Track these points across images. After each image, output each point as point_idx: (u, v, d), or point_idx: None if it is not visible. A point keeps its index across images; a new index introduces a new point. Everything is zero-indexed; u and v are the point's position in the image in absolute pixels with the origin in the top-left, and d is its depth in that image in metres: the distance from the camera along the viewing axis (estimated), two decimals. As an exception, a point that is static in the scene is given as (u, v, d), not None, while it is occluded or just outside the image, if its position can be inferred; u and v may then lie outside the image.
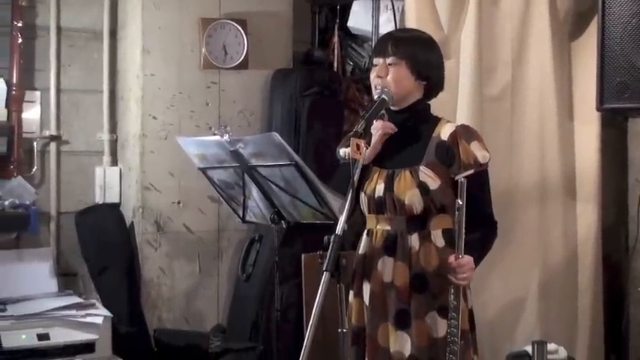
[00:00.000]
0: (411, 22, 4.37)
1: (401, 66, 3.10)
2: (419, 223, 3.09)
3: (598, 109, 3.89)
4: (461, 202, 2.86)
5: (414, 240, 3.09)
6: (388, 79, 3.08)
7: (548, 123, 4.54)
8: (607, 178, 4.71)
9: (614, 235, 4.86)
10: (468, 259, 2.95)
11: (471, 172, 3.07)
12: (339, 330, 2.73)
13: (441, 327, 3.04)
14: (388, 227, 3.13)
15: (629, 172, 4.90)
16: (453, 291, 2.94)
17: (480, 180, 3.11)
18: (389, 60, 3.10)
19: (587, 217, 4.62)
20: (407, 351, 3.07)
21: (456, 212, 2.89)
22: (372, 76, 3.15)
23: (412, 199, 3.06)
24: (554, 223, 4.58)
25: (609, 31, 3.78)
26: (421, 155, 3.09)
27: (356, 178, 2.85)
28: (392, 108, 3.11)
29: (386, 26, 4.66)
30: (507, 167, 4.46)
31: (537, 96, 4.54)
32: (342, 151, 3.26)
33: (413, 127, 3.16)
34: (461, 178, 2.99)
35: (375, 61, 3.15)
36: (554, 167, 4.56)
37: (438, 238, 3.08)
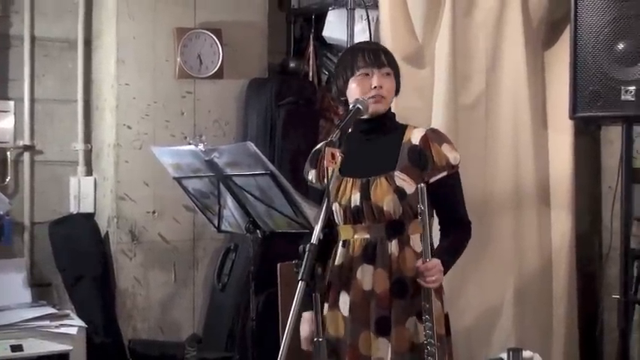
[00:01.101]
0: (386, 32, 4.38)
1: (392, 77, 3.18)
2: (397, 228, 3.11)
3: (571, 118, 3.92)
4: (423, 207, 2.90)
5: (394, 246, 3.11)
6: (385, 90, 3.13)
7: (522, 131, 4.57)
8: (581, 186, 4.75)
9: (588, 243, 4.90)
10: (435, 262, 2.98)
11: (444, 174, 3.12)
12: (315, 339, 2.73)
13: (421, 332, 3.05)
14: (367, 235, 3.14)
15: (602, 179, 4.93)
16: (424, 294, 2.97)
17: (452, 182, 3.17)
18: (384, 70, 3.14)
19: (562, 224, 4.65)
20: (388, 357, 3.08)
21: (419, 217, 2.93)
22: (363, 85, 3.13)
23: (390, 204, 3.07)
24: (529, 231, 4.60)
25: (582, 40, 3.81)
26: (394, 161, 3.12)
27: (331, 186, 2.85)
28: (362, 117, 3.12)
29: (361, 36, 4.67)
30: (482, 175, 4.48)
31: (511, 104, 4.57)
32: (310, 175, 3.29)
33: (382, 135, 3.19)
34: (432, 179, 3.08)
35: (367, 70, 3.14)
36: (528, 175, 4.58)
37: (416, 243, 3.09)
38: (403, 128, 3.21)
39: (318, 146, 3.33)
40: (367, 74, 3.14)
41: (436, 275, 2.97)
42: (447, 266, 3.06)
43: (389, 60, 3.18)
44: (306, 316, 3.21)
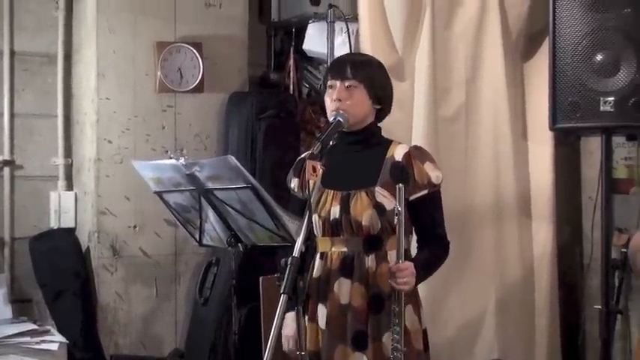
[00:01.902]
0: (366, 45, 4.40)
1: (359, 89, 3.11)
2: (375, 243, 3.10)
3: (551, 129, 3.94)
4: (400, 208, 2.88)
5: (371, 261, 3.10)
6: (348, 102, 3.09)
7: (502, 143, 4.59)
8: (561, 196, 4.77)
9: (569, 253, 4.91)
10: (407, 264, 2.96)
11: (425, 192, 3.11)
12: (298, 353, 2.72)
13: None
14: (344, 249, 3.13)
15: (582, 190, 4.96)
16: (395, 296, 2.95)
17: (432, 200, 3.16)
18: (348, 83, 3.10)
19: (543, 235, 4.67)
20: (364, 372, 3.07)
21: (395, 217, 2.91)
22: (329, 98, 3.14)
23: (369, 219, 3.07)
24: (510, 242, 4.62)
25: (560, 51, 3.83)
26: (376, 176, 3.11)
27: (313, 199, 2.85)
28: (345, 130, 3.12)
29: (341, 49, 4.69)
30: (462, 186, 4.49)
31: (491, 116, 4.59)
32: (293, 184, 3.30)
33: (366, 149, 3.19)
34: (412, 197, 3.07)
35: (331, 82, 3.14)
36: (508, 186, 4.60)
37: (393, 259, 3.05)
38: (388, 143, 3.20)
39: (303, 155, 3.30)
40: (332, 87, 3.14)
41: (407, 277, 2.95)
42: (420, 275, 3.02)
43: (356, 72, 3.11)
44: (290, 315, 3.17)
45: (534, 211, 4.72)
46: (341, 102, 3.09)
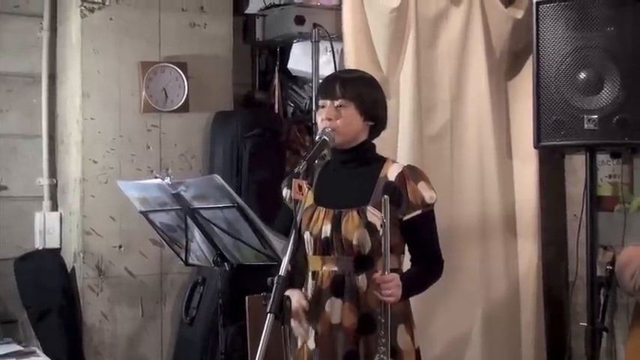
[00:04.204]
0: (350, 64, 4.41)
1: (350, 108, 3.11)
2: (366, 263, 3.09)
3: (535, 147, 3.96)
4: (385, 220, 2.87)
5: (362, 280, 3.09)
6: (338, 121, 3.09)
7: (487, 160, 4.61)
8: (546, 214, 4.79)
9: (554, 271, 4.93)
10: (393, 276, 2.95)
11: (418, 212, 3.11)
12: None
13: None
14: (335, 268, 3.13)
15: (567, 208, 4.98)
16: (381, 309, 2.94)
17: (426, 220, 3.16)
18: (338, 102, 3.11)
19: (528, 253, 4.69)
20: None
21: (380, 228, 2.92)
22: (320, 117, 3.15)
23: (360, 239, 3.07)
24: (496, 260, 4.63)
25: (544, 70, 3.86)
26: (368, 195, 3.10)
27: (299, 218, 2.85)
28: (338, 148, 3.12)
29: (326, 68, 4.70)
30: (448, 204, 4.50)
31: (476, 134, 4.61)
32: (285, 192, 3.28)
33: (359, 167, 3.19)
34: (406, 217, 3.09)
35: (322, 102, 3.15)
36: (494, 204, 4.62)
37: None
38: (382, 161, 3.20)
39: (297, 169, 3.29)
40: (323, 106, 3.14)
41: (393, 289, 2.94)
42: (406, 289, 3.01)
43: (345, 91, 3.11)
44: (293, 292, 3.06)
45: (519, 228, 4.73)
46: (331, 121, 3.09)
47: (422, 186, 3.13)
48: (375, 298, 3.01)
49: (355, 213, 3.08)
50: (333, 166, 3.17)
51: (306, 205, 2.99)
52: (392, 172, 3.14)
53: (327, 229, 3.11)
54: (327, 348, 3.11)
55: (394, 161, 3.22)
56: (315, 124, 3.58)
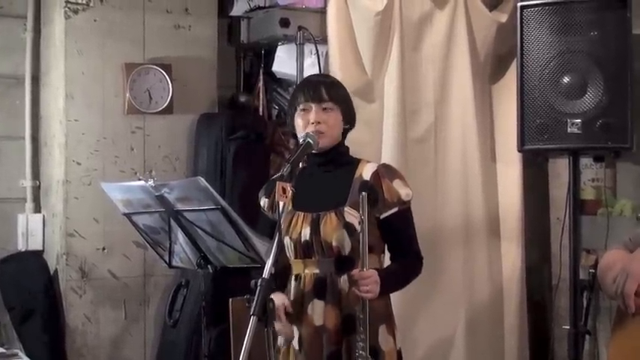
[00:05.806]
0: (335, 67, 4.42)
1: (336, 111, 3.15)
2: (347, 264, 3.09)
3: (519, 150, 3.97)
4: (363, 217, 2.89)
5: (343, 282, 3.10)
6: (326, 125, 3.12)
7: (471, 164, 4.62)
8: (530, 217, 4.80)
9: (538, 274, 4.95)
10: (371, 272, 2.96)
11: (395, 210, 3.12)
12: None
13: None
14: (317, 270, 3.13)
15: (550, 211, 4.99)
16: (359, 306, 2.94)
17: (404, 217, 3.17)
18: (325, 105, 3.13)
19: (512, 256, 4.70)
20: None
21: (359, 226, 2.93)
22: (302, 120, 3.15)
23: (339, 240, 3.07)
24: (479, 263, 4.64)
25: (528, 74, 3.87)
26: (345, 196, 3.12)
27: (282, 220, 2.85)
28: (316, 152, 3.14)
29: (310, 70, 4.69)
30: (432, 207, 4.51)
31: (460, 137, 4.63)
32: (263, 202, 3.30)
33: (335, 169, 3.21)
34: (383, 215, 3.10)
35: (305, 105, 3.15)
36: (478, 207, 4.63)
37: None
38: (356, 162, 3.22)
39: (275, 176, 3.30)
40: (307, 109, 3.15)
41: (370, 285, 2.95)
42: (385, 286, 3.02)
43: (331, 94, 3.15)
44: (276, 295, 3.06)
45: (503, 231, 4.75)
46: (320, 124, 3.11)
47: (397, 184, 3.15)
48: (356, 298, 3.02)
49: (333, 215, 3.10)
50: (310, 171, 3.18)
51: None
52: (367, 172, 3.16)
53: (306, 233, 3.12)
54: (311, 350, 3.12)
55: (368, 161, 3.24)
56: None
